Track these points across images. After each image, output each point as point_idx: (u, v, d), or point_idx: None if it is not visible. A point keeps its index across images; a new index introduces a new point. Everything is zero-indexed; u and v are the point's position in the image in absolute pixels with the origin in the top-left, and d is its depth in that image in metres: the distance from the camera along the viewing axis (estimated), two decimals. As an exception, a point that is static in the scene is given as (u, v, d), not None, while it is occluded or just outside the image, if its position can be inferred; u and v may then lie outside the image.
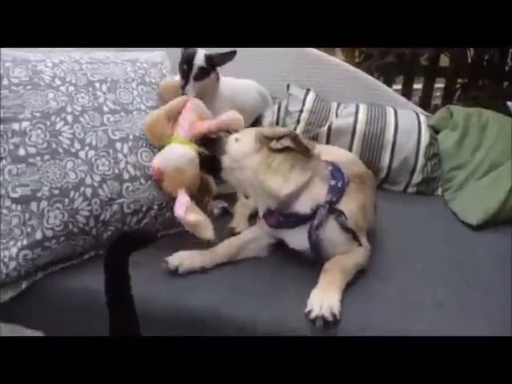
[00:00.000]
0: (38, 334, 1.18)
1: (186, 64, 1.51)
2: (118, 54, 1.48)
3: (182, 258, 1.15)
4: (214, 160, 1.22)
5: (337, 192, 1.16)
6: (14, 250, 1.10)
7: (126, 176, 1.25)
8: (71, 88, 1.27)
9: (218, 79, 1.60)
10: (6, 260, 1.09)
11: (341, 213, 1.14)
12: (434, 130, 1.85)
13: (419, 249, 1.36)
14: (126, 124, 1.31)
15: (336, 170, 1.21)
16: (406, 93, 3.12)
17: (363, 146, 1.74)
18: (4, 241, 1.10)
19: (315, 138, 1.77)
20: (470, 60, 2.98)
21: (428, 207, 1.67)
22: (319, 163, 1.20)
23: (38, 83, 1.24)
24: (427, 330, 0.99)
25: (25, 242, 1.10)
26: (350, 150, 1.73)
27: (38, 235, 1.12)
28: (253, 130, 1.26)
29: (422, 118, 1.83)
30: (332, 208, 1.14)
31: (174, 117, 1.34)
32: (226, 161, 1.20)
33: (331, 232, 1.14)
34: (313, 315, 0.97)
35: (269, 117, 1.84)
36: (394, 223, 1.50)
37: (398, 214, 1.58)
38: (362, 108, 1.82)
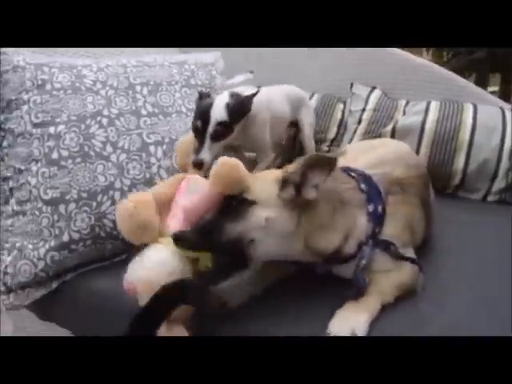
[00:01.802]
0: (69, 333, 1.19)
1: (200, 119, 1.16)
2: (166, 57, 1.48)
3: None
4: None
5: (377, 218, 0.97)
6: (42, 251, 1.11)
7: (158, 180, 1.21)
8: (111, 91, 1.28)
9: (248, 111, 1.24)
10: (35, 260, 1.10)
11: (389, 244, 0.95)
12: (524, 129, 1.56)
13: (491, 270, 1.12)
14: (162, 127, 1.28)
15: (371, 188, 1.00)
16: (505, 93, 2.75)
17: (433, 147, 1.53)
18: (35, 241, 1.12)
19: (380, 137, 1.60)
20: None
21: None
22: (351, 187, 0.99)
23: (79, 87, 1.26)
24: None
25: (52, 244, 1.11)
26: (418, 151, 1.53)
27: (65, 237, 1.12)
28: (269, 179, 0.92)
29: (509, 115, 1.56)
30: (377, 241, 0.95)
31: (163, 204, 0.96)
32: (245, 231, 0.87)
33: (380, 264, 0.96)
34: (331, 335, 0.83)
35: (307, 119, 1.64)
36: (466, 237, 1.27)
37: (472, 226, 1.35)
38: (434, 105, 1.61)
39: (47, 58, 1.32)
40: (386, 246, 0.95)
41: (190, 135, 1.17)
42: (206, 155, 1.12)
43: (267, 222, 0.86)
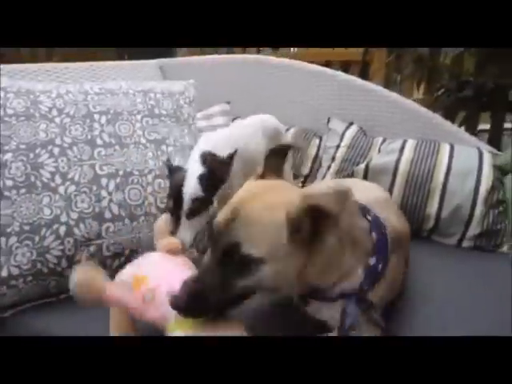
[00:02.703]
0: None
1: (173, 198, 1.07)
2: (132, 85, 1.43)
3: None
4: None
5: (373, 276, 0.89)
6: (-22, 287, 1.04)
7: (108, 215, 1.15)
8: (66, 119, 1.23)
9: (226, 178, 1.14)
10: (-30, 296, 1.04)
11: (370, 305, 0.86)
12: (502, 172, 1.50)
13: (464, 320, 1.06)
14: (118, 158, 1.22)
15: (381, 240, 0.92)
16: (495, 133, 2.71)
17: (406, 188, 1.47)
18: (-28, 276, 1.05)
19: (352, 176, 1.54)
20: None
21: (487, 267, 1.33)
22: (364, 231, 0.91)
23: (32, 114, 1.21)
24: None
25: (-10, 279, 1.04)
26: (391, 192, 1.47)
27: (4, 273, 1.06)
28: (271, 223, 0.78)
29: (487, 157, 1.51)
30: (362, 299, 0.87)
31: None
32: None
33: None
34: None
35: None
36: (438, 283, 1.21)
37: (445, 273, 1.28)
38: (410, 144, 1.56)
39: (7, 81, 1.27)
40: (367, 307, 0.86)
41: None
42: (185, 235, 1.02)
43: (277, 274, 0.78)
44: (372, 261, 0.88)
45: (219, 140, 1.22)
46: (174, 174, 1.10)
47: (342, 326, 0.83)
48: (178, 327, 0.80)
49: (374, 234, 0.91)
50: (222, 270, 0.77)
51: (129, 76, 1.96)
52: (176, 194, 1.04)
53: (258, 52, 3.94)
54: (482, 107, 2.67)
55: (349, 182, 1.29)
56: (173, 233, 1.02)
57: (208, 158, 1.10)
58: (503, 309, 1.11)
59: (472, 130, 2.55)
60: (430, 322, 1.05)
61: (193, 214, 1.04)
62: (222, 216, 0.80)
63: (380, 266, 0.89)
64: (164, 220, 1.03)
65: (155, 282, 0.84)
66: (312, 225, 0.78)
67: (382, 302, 0.91)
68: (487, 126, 2.81)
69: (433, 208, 1.45)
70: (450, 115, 2.54)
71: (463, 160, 1.49)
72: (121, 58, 4.42)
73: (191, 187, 1.04)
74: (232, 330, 0.79)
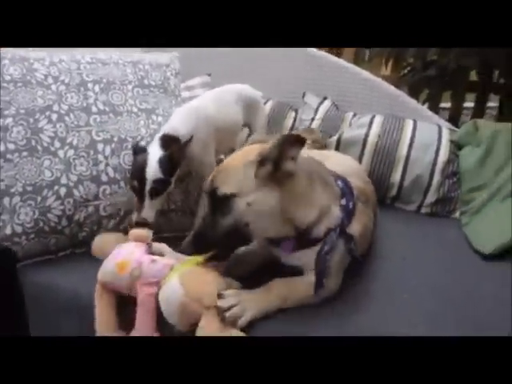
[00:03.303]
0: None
1: (136, 179, 1.16)
2: (122, 55, 1.49)
3: None
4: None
5: (347, 213, 1.05)
6: (-16, 242, 1.12)
7: (105, 178, 1.24)
8: (62, 87, 1.29)
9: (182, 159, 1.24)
10: (-25, 251, 1.12)
11: (350, 238, 1.04)
12: (458, 146, 1.68)
13: (415, 277, 1.22)
14: (112, 125, 1.30)
15: (346, 186, 1.10)
16: (456, 110, 2.89)
17: (373, 159, 1.63)
18: (-23, 232, 1.13)
19: (324, 149, 1.68)
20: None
21: (440, 231, 1.51)
22: (331, 179, 1.09)
23: (29, 81, 1.26)
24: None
25: (-3, 234, 1.12)
26: (360, 163, 1.62)
27: (8, 230, 1.13)
28: (241, 164, 0.96)
29: (445, 132, 1.68)
30: (342, 232, 1.03)
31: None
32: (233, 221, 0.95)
33: (338, 257, 1.03)
34: (218, 303, 0.92)
35: (260, 123, 1.66)
36: (396, 246, 1.38)
37: (404, 236, 1.46)
38: (378, 119, 1.70)
39: (-1, 48, 1.31)
40: (348, 240, 1.03)
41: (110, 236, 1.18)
42: (148, 213, 1.15)
43: (251, 206, 0.93)
44: (343, 201, 1.05)
45: (184, 115, 1.31)
46: (138, 155, 1.19)
47: (320, 251, 0.99)
48: (173, 274, 0.95)
49: (339, 182, 1.08)
50: (212, 215, 0.95)
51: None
52: (139, 176, 1.15)
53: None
54: (444, 86, 2.83)
55: (327, 154, 1.44)
56: (138, 210, 1.16)
57: (167, 141, 1.21)
58: (454, 264, 1.30)
59: (434, 107, 2.72)
60: (391, 275, 1.21)
61: (155, 193, 1.16)
62: (208, 177, 0.99)
63: (350, 204, 1.05)
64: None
65: (137, 261, 1.00)
66: (275, 159, 0.94)
67: (359, 240, 1.07)
68: (448, 105, 3.00)
69: (396, 177, 1.61)
70: (414, 93, 2.70)
71: (424, 135, 1.66)
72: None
73: (153, 171, 1.15)
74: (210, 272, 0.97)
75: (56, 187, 1.18)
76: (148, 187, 1.15)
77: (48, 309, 1.15)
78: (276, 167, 0.94)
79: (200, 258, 0.98)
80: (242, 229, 0.95)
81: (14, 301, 0.84)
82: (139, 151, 1.20)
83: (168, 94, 1.49)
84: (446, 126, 1.77)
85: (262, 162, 0.94)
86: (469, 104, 3.04)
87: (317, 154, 1.36)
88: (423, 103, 2.70)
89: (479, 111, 2.86)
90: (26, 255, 1.18)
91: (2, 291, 0.80)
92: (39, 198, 1.16)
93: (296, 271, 1.06)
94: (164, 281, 0.96)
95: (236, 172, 0.96)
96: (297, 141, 0.93)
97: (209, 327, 0.90)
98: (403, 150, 1.61)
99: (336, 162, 1.28)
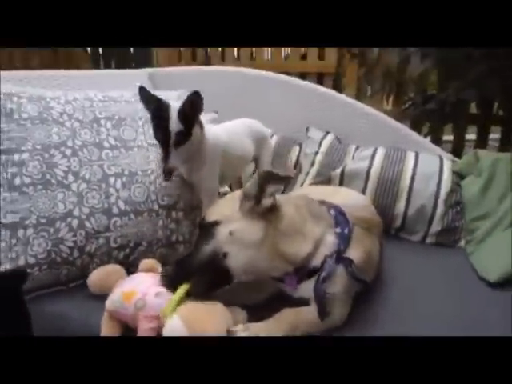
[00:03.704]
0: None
1: (160, 132, 1.25)
2: (133, 94, 1.56)
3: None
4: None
5: (343, 239, 1.08)
6: (-3, 274, 1.15)
7: (116, 210, 1.28)
8: (76, 124, 1.35)
9: (202, 128, 1.37)
10: (-11, 283, 1.14)
11: (350, 262, 1.06)
12: (459, 176, 1.71)
13: (420, 305, 1.23)
14: (123, 160, 1.35)
15: (339, 214, 1.13)
16: (458, 143, 2.94)
17: (377, 191, 1.66)
18: (-9, 263, 1.16)
19: (328, 182, 1.72)
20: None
21: (446, 260, 1.53)
22: (322, 209, 1.13)
23: (46, 118, 1.32)
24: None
25: (8, 267, 1.15)
26: (363, 194, 1.65)
27: (21, 261, 1.17)
28: (229, 198, 1.08)
29: (446, 164, 1.72)
30: (340, 257, 1.05)
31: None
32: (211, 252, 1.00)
33: (341, 283, 1.05)
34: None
35: (267, 158, 1.74)
36: (404, 275, 1.40)
37: (411, 266, 1.47)
38: (380, 151, 1.75)
39: (17, 87, 1.38)
40: (348, 264, 1.05)
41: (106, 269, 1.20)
42: (174, 161, 1.25)
43: (233, 235, 0.98)
44: (338, 229, 1.08)
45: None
46: (152, 103, 1.28)
47: (317, 280, 1.01)
48: (171, 309, 0.96)
49: (332, 212, 1.12)
50: (198, 244, 1.02)
51: (121, 84, 2.07)
52: (163, 129, 1.23)
53: (238, 58, 4.12)
54: (445, 119, 2.90)
55: (335, 189, 1.50)
56: (165, 160, 1.24)
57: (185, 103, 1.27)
58: (461, 292, 1.31)
59: (436, 140, 2.78)
60: (399, 304, 1.22)
61: (179, 143, 1.24)
62: None
63: (346, 230, 1.08)
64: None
65: (143, 291, 1.03)
66: (255, 195, 1.00)
67: (361, 264, 1.08)
68: (451, 137, 3.05)
69: (400, 208, 1.64)
70: (416, 126, 2.77)
71: (426, 166, 1.70)
72: (96, 65, 4.49)
73: (175, 123, 1.23)
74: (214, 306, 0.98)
75: (69, 219, 1.22)
76: (173, 139, 1.23)
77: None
78: (257, 202, 1.00)
79: None
80: (220, 260, 0.98)
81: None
82: (150, 98, 1.28)
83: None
84: (447, 158, 1.81)
85: (244, 197, 1.01)
86: (471, 136, 3.09)
87: (324, 190, 1.41)
88: (425, 136, 2.76)
89: (481, 143, 2.90)
90: (37, 286, 1.20)
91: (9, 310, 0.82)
92: (52, 230, 1.20)
93: (302, 302, 1.07)
94: (162, 313, 0.97)
95: (223, 204, 1.06)
96: (273, 178, 0.99)
97: None
98: (406, 181, 1.65)
99: (343, 195, 1.35)
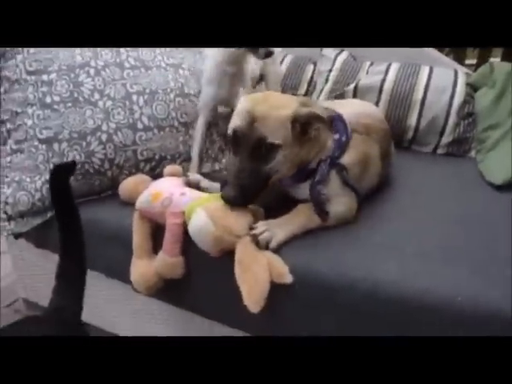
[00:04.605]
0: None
1: None
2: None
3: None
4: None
5: (341, 146, 1.16)
6: (38, 184, 1.28)
7: (140, 126, 1.37)
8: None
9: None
10: (32, 191, 1.27)
11: (342, 167, 1.14)
12: (473, 89, 1.73)
13: (427, 205, 1.31)
14: (144, 79, 1.42)
15: (339, 122, 1.19)
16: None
17: (390, 104, 1.70)
18: (32, 175, 1.28)
19: (342, 97, 1.76)
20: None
21: (456, 169, 1.59)
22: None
23: (68, 41, 1.39)
24: (402, 274, 0.99)
25: (47, 177, 1.27)
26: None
27: (59, 173, 1.28)
28: (283, 117, 1.05)
29: (461, 76, 1.73)
30: (334, 162, 1.14)
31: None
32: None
33: (333, 186, 1.14)
34: (251, 232, 1.03)
35: (274, 77, 1.76)
36: (413, 181, 1.47)
37: (420, 173, 1.54)
38: (394, 66, 1.77)
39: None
40: (340, 169, 1.13)
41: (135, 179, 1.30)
42: None
43: (285, 158, 1.06)
44: (336, 136, 1.15)
45: None
46: None
47: (312, 182, 1.10)
48: (196, 206, 1.07)
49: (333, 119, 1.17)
50: (252, 161, 1.04)
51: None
52: None
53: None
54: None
55: (343, 101, 1.54)
56: None
57: None
58: (468, 195, 1.38)
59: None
60: (407, 204, 1.30)
61: None
62: (240, 122, 1.06)
63: (343, 138, 1.15)
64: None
65: (169, 192, 1.14)
66: (303, 123, 1.06)
67: (355, 169, 1.17)
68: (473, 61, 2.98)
69: (412, 120, 1.68)
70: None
71: (440, 79, 1.71)
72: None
73: None
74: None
75: (98, 133, 1.31)
76: None
77: (96, 240, 1.31)
78: (303, 131, 1.06)
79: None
80: (271, 176, 1.07)
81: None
82: None
83: (191, 50, 1.60)
84: (462, 71, 1.81)
85: (294, 121, 1.05)
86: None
87: (332, 103, 1.46)
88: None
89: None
90: (74, 195, 1.32)
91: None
92: (84, 144, 1.30)
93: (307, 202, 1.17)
94: (187, 211, 1.07)
95: (281, 124, 1.04)
96: (321, 121, 1.06)
97: (244, 252, 1.02)
98: (419, 94, 1.68)
99: (348, 104, 1.39)
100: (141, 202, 1.17)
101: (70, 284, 0.87)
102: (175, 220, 1.10)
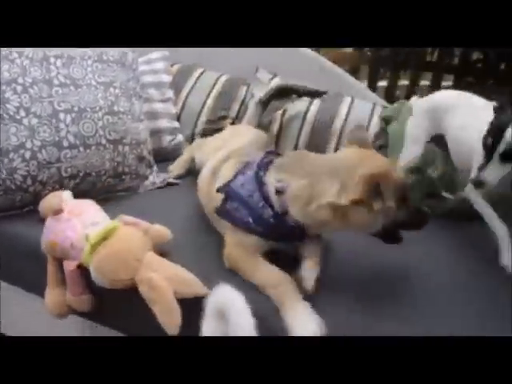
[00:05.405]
0: None
1: (492, 136, 1.07)
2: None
3: None
4: None
5: None
6: (-43, 199, 1.29)
7: (66, 143, 1.41)
8: (26, 61, 1.44)
9: None
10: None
11: None
12: (386, 122, 1.88)
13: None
14: (73, 97, 1.46)
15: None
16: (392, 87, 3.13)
17: (312, 133, 1.83)
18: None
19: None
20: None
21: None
22: None
23: (-6, 56, 1.40)
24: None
25: (-33, 193, 1.29)
26: (299, 136, 1.83)
27: (-21, 188, 1.31)
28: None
29: (378, 110, 1.89)
30: None
31: None
32: None
33: None
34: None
35: None
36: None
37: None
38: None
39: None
40: None
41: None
42: (490, 176, 1.06)
43: None
44: None
45: None
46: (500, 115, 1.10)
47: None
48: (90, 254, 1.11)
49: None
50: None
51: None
52: (497, 134, 1.06)
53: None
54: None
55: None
56: (481, 168, 1.08)
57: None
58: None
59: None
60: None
61: (507, 158, 1.06)
62: None
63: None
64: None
65: (63, 238, 1.20)
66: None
67: None
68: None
69: (331, 150, 1.82)
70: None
71: (358, 111, 1.86)
72: None
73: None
74: None
75: (21, 151, 1.35)
76: (501, 148, 1.05)
77: (15, 255, 1.34)
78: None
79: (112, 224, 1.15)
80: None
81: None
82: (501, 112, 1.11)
83: (125, 68, 1.64)
84: (380, 104, 1.97)
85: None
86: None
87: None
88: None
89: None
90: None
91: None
92: (6, 160, 1.33)
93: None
94: (84, 261, 1.12)
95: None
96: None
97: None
98: (338, 125, 1.82)
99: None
100: (42, 243, 1.24)
101: None
102: (70, 268, 1.17)
